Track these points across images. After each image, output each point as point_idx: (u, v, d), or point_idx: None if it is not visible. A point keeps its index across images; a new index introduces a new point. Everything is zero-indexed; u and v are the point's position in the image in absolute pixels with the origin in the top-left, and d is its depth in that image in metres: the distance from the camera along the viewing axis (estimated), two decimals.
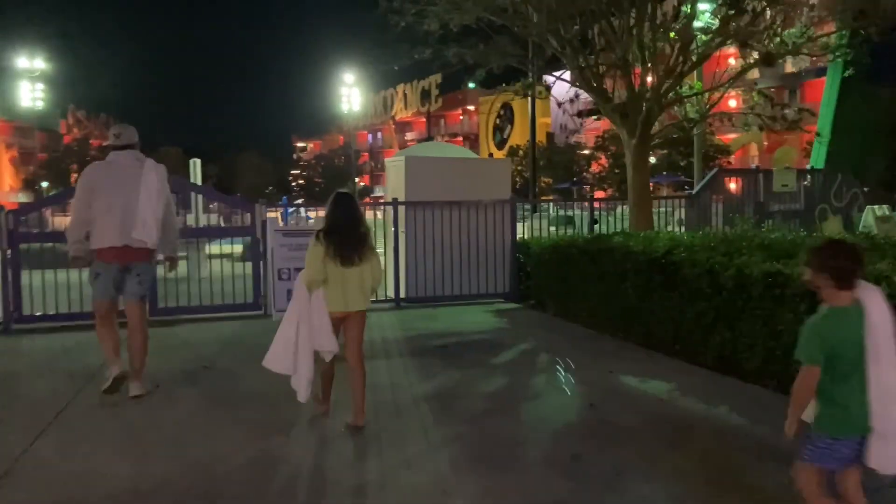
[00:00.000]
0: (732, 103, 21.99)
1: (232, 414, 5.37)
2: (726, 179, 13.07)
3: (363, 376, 5.07)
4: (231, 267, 10.62)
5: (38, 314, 9.24)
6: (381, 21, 10.45)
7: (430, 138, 65.16)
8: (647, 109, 9.74)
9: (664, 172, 40.26)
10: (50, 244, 9.61)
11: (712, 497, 3.81)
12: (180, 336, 8.42)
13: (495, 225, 10.69)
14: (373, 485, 4.06)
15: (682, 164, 39.44)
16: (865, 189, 13.60)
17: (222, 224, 16.01)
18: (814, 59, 12.52)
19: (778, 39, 9.55)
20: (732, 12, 9.43)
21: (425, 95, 75.40)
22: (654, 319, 7.21)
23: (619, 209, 13.39)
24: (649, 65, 9.89)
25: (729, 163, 39.84)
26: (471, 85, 67.98)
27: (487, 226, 10.63)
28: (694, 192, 12.33)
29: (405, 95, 78.65)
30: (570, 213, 15.43)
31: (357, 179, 71.61)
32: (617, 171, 43.85)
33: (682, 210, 13.44)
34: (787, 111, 10.78)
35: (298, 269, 5.50)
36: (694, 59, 9.89)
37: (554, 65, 12.36)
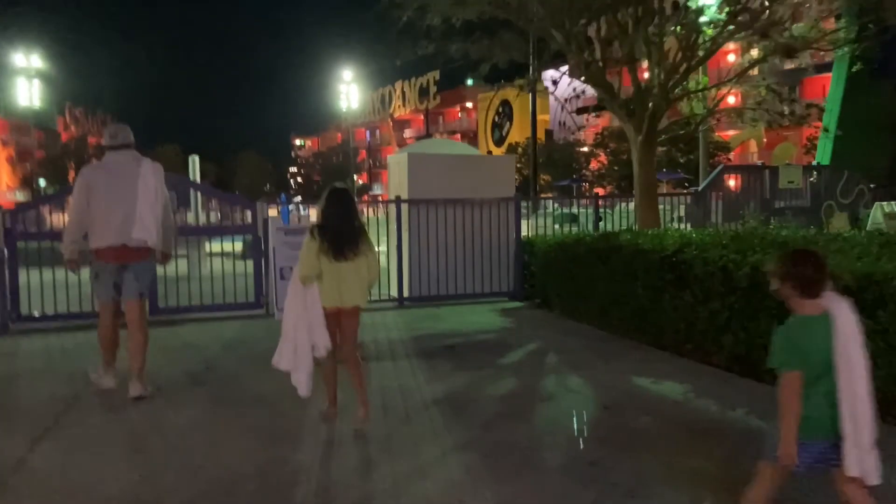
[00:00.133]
0: (731, 100, 21.82)
1: (237, 418, 5.23)
2: (731, 176, 12.94)
3: (359, 368, 5.10)
4: (232, 265, 10.47)
5: (36, 314, 9.10)
6: (383, 16, 10.30)
7: (428, 135, 65.03)
8: (654, 105, 9.60)
9: (664, 169, 40.12)
10: (48, 243, 9.47)
11: None
12: (181, 337, 8.28)
13: (499, 223, 10.55)
14: (385, 493, 3.91)
15: (681, 160, 39.32)
16: (871, 185, 13.50)
17: (220, 222, 15.88)
18: (816, 54, 12.36)
19: (788, 34, 9.40)
20: (740, 6, 9.28)
21: (423, 93, 75.23)
22: (666, 319, 7.07)
23: (618, 206, 13.23)
24: (656, 60, 9.74)
25: (729, 160, 39.74)
26: (469, 82, 67.92)
27: (491, 224, 10.49)
28: (699, 188, 12.21)
29: (403, 93, 78.48)
30: (574, 210, 15.27)
31: (356, 177, 71.43)
32: (616, 168, 43.78)
33: (682, 207, 13.34)
34: (795, 106, 10.62)
35: None
36: (701, 53, 9.73)
37: (558, 61, 12.21)
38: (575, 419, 5.12)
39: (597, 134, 46.64)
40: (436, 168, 10.44)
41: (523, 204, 11.34)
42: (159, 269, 9.05)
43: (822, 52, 10.91)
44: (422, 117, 76.77)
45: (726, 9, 9.34)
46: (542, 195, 34.50)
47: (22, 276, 9.07)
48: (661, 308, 7.13)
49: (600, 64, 10.14)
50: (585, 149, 49.46)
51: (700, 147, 18.86)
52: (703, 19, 9.75)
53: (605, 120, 49.41)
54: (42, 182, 62.08)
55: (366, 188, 75.31)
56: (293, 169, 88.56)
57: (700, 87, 11.06)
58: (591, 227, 11.68)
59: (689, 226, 10.91)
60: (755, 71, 11.08)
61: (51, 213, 10.14)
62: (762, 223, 8.15)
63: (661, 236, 7.90)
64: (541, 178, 43.11)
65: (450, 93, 72.46)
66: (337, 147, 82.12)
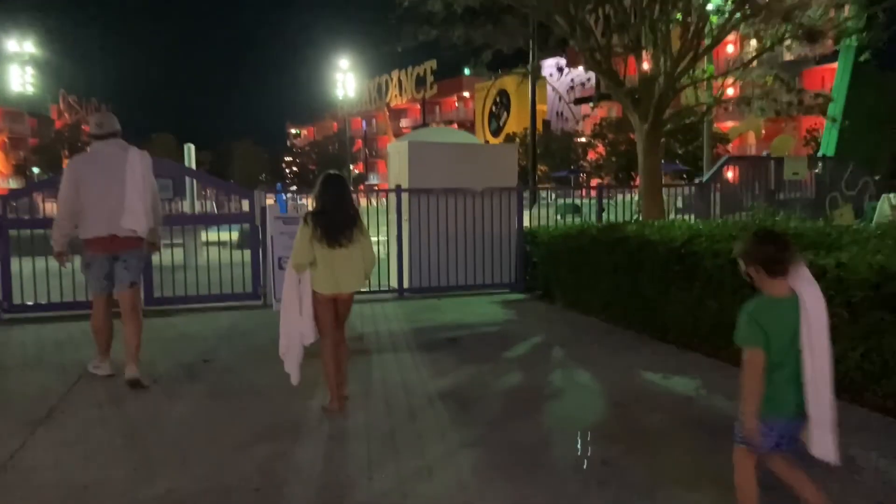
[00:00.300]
0: (730, 91, 21.62)
1: (235, 412, 5.06)
2: (734, 167, 12.77)
3: (345, 355, 5.17)
4: (229, 255, 10.29)
5: (29, 303, 8.91)
6: (384, 1, 10.11)
7: (424, 125, 64.72)
8: (660, 93, 9.42)
9: (662, 161, 40.00)
10: (41, 231, 9.28)
11: None
12: (177, 327, 8.11)
13: (501, 213, 10.38)
14: (391, 494, 3.75)
15: (679, 151, 39.16)
16: (876, 177, 13.36)
17: (216, 211, 15.68)
18: (818, 44, 12.19)
19: (802, 19, 9.21)
20: None
21: (420, 82, 74.86)
22: (673, 312, 6.92)
23: (618, 197, 13.06)
24: (662, 47, 9.55)
25: (727, 151, 39.57)
26: (466, 72, 67.56)
27: (493, 214, 10.32)
28: (704, 179, 12.05)
29: (400, 82, 78.09)
30: (576, 201, 15.11)
31: (351, 167, 71.10)
32: (614, 158, 43.62)
33: (681, 199, 13.18)
34: (803, 96, 10.46)
35: None
36: (708, 41, 9.55)
37: (558, 49, 12.02)
38: (584, 416, 4.97)
39: (595, 124, 46.44)
40: (437, 157, 10.25)
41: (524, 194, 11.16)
42: (155, 258, 8.92)
43: (828, 42, 10.72)
44: (418, 107, 76.38)
45: None
46: (540, 186, 34.34)
47: (14, 264, 8.87)
48: (669, 301, 6.97)
49: (605, 51, 9.95)
50: (583, 139, 49.26)
51: (704, 138, 18.69)
52: (709, 7, 9.58)
53: (603, 110, 49.28)
54: (36, 170, 61.67)
55: (361, 178, 75.03)
56: (289, 158, 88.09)
57: (706, 75, 10.88)
58: (594, 217, 11.50)
59: (693, 217, 10.74)
60: (755, 62, 10.90)
61: (43, 201, 9.94)
62: (770, 215, 7.96)
63: (668, 228, 7.73)
64: (538, 168, 42.93)
65: (447, 82, 72.09)
66: (333, 136, 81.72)
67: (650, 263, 7.25)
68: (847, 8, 10.32)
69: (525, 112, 52.30)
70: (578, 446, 4.39)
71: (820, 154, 17.26)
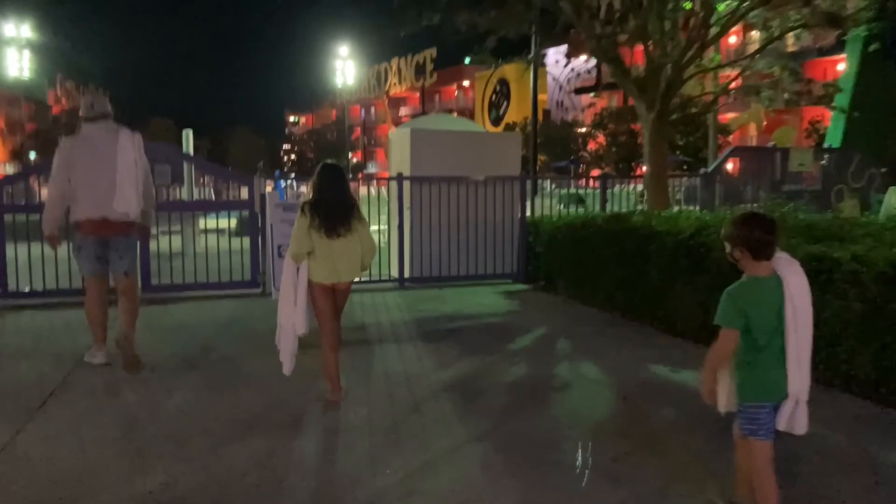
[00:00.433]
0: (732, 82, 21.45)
1: (234, 404, 4.93)
2: (737, 158, 12.62)
3: (338, 341, 5.08)
4: (228, 242, 10.16)
5: (25, 290, 8.77)
6: None
7: (423, 114, 64.40)
8: (667, 82, 9.26)
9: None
10: (37, 216, 9.13)
11: None
12: (175, 316, 7.97)
13: (504, 202, 10.22)
14: (395, 490, 3.63)
15: (680, 142, 38.97)
16: (883, 169, 13.22)
17: (213, 197, 15.53)
18: (823, 35, 12.02)
19: (819, 9, 9.02)
20: None
21: (420, 70, 74.43)
22: (680, 304, 6.79)
23: (619, 187, 12.90)
24: (669, 35, 9.39)
25: (728, 142, 39.41)
26: (467, 60, 67.22)
27: (496, 203, 10.17)
28: (709, 170, 11.91)
29: (399, 70, 77.67)
30: (580, 191, 14.96)
31: (350, 155, 70.85)
32: (614, 149, 43.42)
33: (682, 190, 13.05)
34: (812, 86, 10.30)
35: None
36: (716, 30, 9.39)
37: (560, 37, 11.84)
38: (592, 411, 4.86)
39: (595, 114, 46.20)
40: (440, 144, 10.09)
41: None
42: (153, 245, 8.78)
43: (834, 32, 10.55)
44: (418, 95, 76.01)
45: None
46: (541, 175, 34.10)
47: (9, 250, 8.72)
48: (676, 293, 6.85)
49: (611, 39, 9.78)
50: (583, 129, 49.05)
51: (711, 128, 18.53)
52: None
53: (603, 100, 49.05)
54: (32, 155, 61.34)
55: (360, 166, 74.77)
56: (287, 146, 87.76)
57: (714, 64, 10.71)
58: (597, 207, 11.35)
59: (698, 208, 10.61)
60: (759, 52, 10.72)
61: (39, 186, 9.78)
62: (778, 206, 7.82)
63: (675, 218, 7.61)
64: (538, 158, 42.74)
65: (446, 71, 71.67)
66: (331, 124, 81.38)
67: (657, 255, 7.12)
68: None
69: (525, 101, 52.00)
70: (588, 442, 4.26)
71: (826, 145, 17.10)
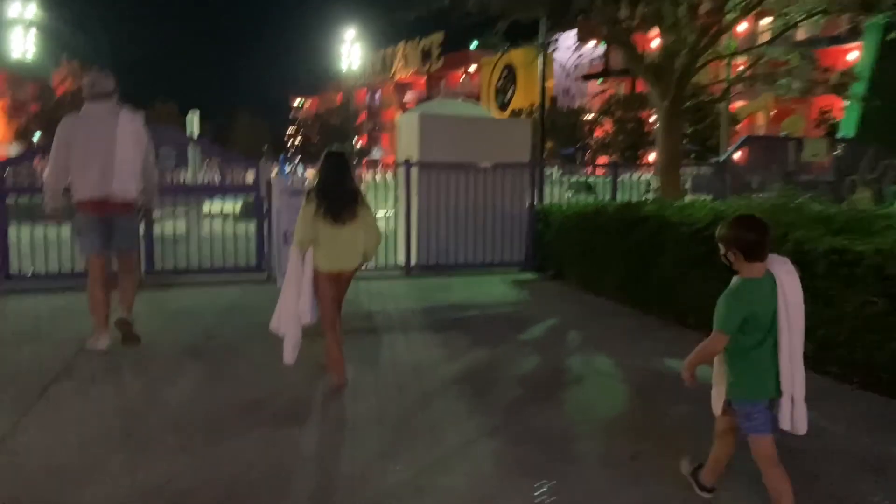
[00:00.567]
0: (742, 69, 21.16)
1: (240, 394, 4.81)
2: (753, 148, 12.44)
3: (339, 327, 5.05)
4: (232, 227, 10.03)
5: (27, 274, 8.65)
6: None
7: (429, 99, 64.01)
8: (682, 69, 9.07)
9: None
10: (41, 199, 9.01)
11: None
12: (178, 301, 7.85)
13: (513, 190, 10.08)
14: (406, 487, 3.50)
15: (688, 131, 38.65)
16: None
17: (217, 181, 15.37)
18: (834, 24, 11.77)
19: None
20: None
21: (426, 55, 73.95)
22: (694, 296, 6.63)
23: (627, 175, 12.71)
24: (685, 21, 9.18)
25: (736, 132, 39.09)
26: (473, 45, 66.77)
27: (504, 190, 10.02)
28: (721, 158, 11.73)
29: (406, 54, 77.16)
30: (588, 179, 14.77)
31: (355, 139, 70.54)
32: (621, 137, 43.09)
33: (690, 179, 12.85)
34: (829, 75, 10.09)
35: None
36: (732, 16, 9.18)
37: (570, 22, 11.63)
38: (607, 405, 4.73)
39: (603, 102, 45.81)
40: (449, 130, 9.93)
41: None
42: (156, 229, 8.66)
43: (859, 17, 10.30)
44: (423, 80, 75.57)
45: None
46: (546, 163, 33.69)
47: (12, 232, 8.61)
48: (690, 284, 6.70)
49: (626, 24, 9.58)
50: (590, 116, 48.67)
51: (723, 117, 18.30)
52: None
53: (611, 87, 48.62)
54: (37, 136, 61.17)
55: (365, 151, 74.47)
56: (291, 129, 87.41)
57: (730, 51, 10.50)
58: (608, 196, 11.18)
59: (711, 197, 10.45)
60: (767, 40, 10.49)
61: (42, 168, 9.65)
62: (792, 197, 7.65)
63: (689, 208, 7.45)
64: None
65: (453, 56, 71.15)
66: (336, 108, 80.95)
67: (671, 245, 6.98)
68: None
69: (531, 87, 51.61)
70: (604, 438, 4.14)
71: (840, 135, 16.85)
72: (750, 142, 12.53)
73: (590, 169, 26.85)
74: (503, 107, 61.67)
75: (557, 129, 46.80)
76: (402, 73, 78.49)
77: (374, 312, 7.38)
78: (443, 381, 5.14)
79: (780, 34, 9.94)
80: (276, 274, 8.59)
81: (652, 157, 41.98)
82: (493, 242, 10.01)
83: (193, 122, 16.72)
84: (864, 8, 8.87)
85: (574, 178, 13.97)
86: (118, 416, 4.41)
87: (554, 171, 15.55)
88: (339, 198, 4.82)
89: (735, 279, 3.13)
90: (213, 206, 12.95)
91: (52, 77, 72.67)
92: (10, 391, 4.78)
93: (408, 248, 9.89)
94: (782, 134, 19.56)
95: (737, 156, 11.82)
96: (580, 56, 11.13)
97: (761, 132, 40.96)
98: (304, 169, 14.37)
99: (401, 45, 77.46)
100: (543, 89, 20.45)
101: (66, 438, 4.03)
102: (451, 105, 11.45)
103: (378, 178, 11.48)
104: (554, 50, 11.65)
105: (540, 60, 19.86)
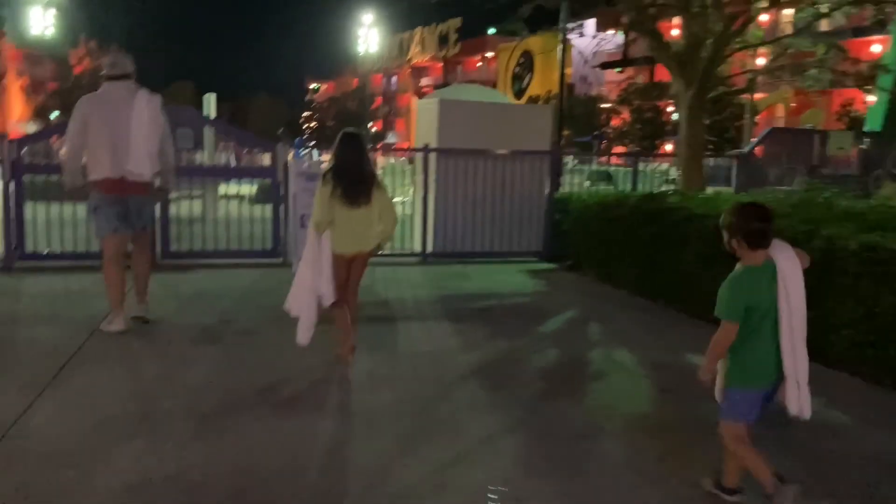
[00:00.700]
0: (761, 61, 20.82)
1: (255, 381, 4.72)
2: (777, 140, 12.22)
3: (356, 312, 5.11)
4: (248, 210, 9.96)
5: (43, 252, 8.62)
6: None
7: (446, 84, 63.70)
8: (709, 58, 8.87)
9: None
10: (57, 176, 8.96)
11: None
12: (194, 284, 7.78)
13: (532, 178, 9.93)
14: (427, 483, 3.41)
15: (706, 122, 38.25)
16: None
17: (233, 163, 15.31)
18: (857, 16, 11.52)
19: None
20: None
21: (443, 40, 73.54)
22: (718, 291, 6.50)
23: (642, 166, 12.52)
24: (712, 8, 8.97)
25: (755, 123, 38.66)
26: (491, 31, 66.30)
27: (524, 178, 9.88)
28: (746, 150, 11.53)
29: (423, 39, 76.77)
30: (608, 168, 14.61)
31: (370, 124, 70.36)
32: (639, 126, 42.73)
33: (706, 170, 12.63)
34: (860, 66, 9.86)
35: None
36: (764, 3, 8.97)
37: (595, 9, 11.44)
38: (631, 402, 4.62)
39: (621, 90, 45.41)
40: (468, 116, 9.78)
41: None
42: (172, 210, 8.60)
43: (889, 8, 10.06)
44: (440, 65, 75.18)
45: None
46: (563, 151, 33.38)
47: (28, 210, 8.56)
48: (714, 279, 6.53)
49: (651, 10, 9.38)
50: (608, 105, 48.29)
51: (747, 108, 18.03)
52: None
53: (629, 75, 48.19)
54: (55, 114, 61.38)
55: (380, 136, 74.30)
56: (307, 113, 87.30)
57: (757, 41, 10.27)
58: (627, 186, 11.02)
59: (734, 189, 10.27)
60: (788, 29, 10.25)
61: (59, 147, 9.60)
62: (819, 191, 7.47)
63: (714, 200, 7.31)
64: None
65: (470, 42, 70.75)
66: (352, 92, 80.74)
67: (695, 237, 6.83)
68: None
69: (548, 74, 51.21)
70: (629, 437, 4.02)
71: (866, 129, 16.53)
72: (774, 134, 12.30)
73: (605, 158, 26.61)
74: (519, 94, 61.31)
75: (574, 118, 46.45)
76: (418, 58, 78.15)
77: (390, 300, 7.28)
78: (462, 372, 5.04)
79: (810, 24, 9.72)
80: (292, 258, 8.50)
81: (669, 147, 41.67)
82: (509, 231, 9.89)
83: (210, 103, 16.65)
84: None
85: (591, 168, 13.79)
86: (131, 401, 4.34)
87: (570, 160, 15.40)
88: (354, 179, 4.80)
89: (737, 267, 3.14)
90: (227, 188, 12.91)
91: (69, 56, 72.82)
92: (23, 373, 4.72)
93: (424, 234, 9.78)
94: (807, 126, 19.22)
95: (760, 148, 11.61)
96: (599, 43, 10.92)
97: (780, 124, 40.51)
98: (319, 153, 14.26)
99: (418, 30, 77.09)
100: (563, 76, 20.19)
101: (78, 423, 3.96)
102: (470, 91, 11.32)
103: (392, 162, 11.35)
104: (582, 35, 11.43)
105: (560, 47, 19.61)
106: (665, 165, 14.71)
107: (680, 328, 6.43)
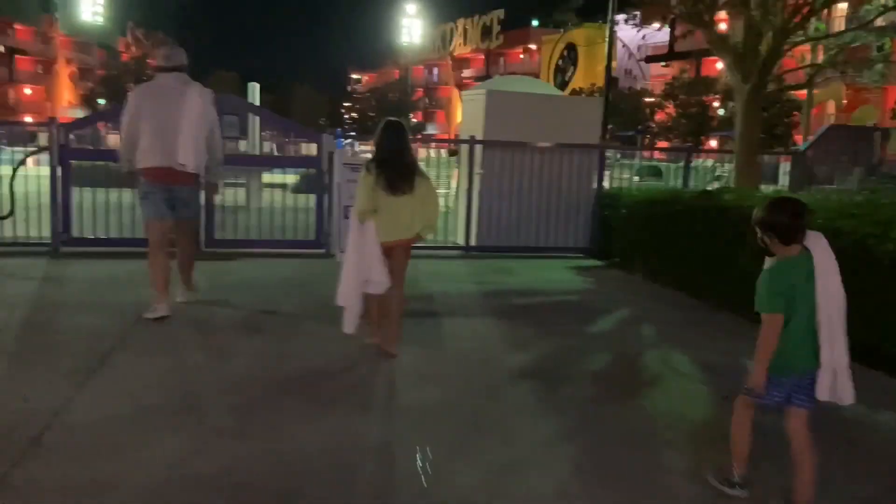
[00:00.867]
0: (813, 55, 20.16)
1: (301, 376, 4.61)
2: (835, 137, 11.78)
3: (402, 304, 5.03)
4: (291, 199, 9.88)
5: (89, 237, 8.64)
6: None
7: (488, 76, 63.31)
8: (769, 51, 8.53)
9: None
10: (103, 162, 8.99)
11: None
12: (238, 273, 7.73)
13: (580, 172, 9.70)
14: (481, 490, 3.25)
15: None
16: None
17: (275, 152, 15.31)
18: None
19: None
20: None
21: (486, 32, 73.11)
22: None
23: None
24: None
25: (808, 120, 37.64)
26: (535, 23, 65.71)
27: (571, 172, 9.65)
28: (803, 148, 11.14)
29: (465, 31, 76.42)
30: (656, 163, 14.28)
31: (411, 115, 70.26)
32: (684, 120, 41.96)
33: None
34: None
35: None
36: None
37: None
38: (691, 410, 4.40)
39: (666, 84, 44.64)
40: (516, 107, 9.57)
41: None
42: (216, 199, 8.56)
43: None
44: (482, 57, 74.77)
45: None
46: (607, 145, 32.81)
47: (75, 195, 8.60)
48: None
49: (707, 2, 9.05)
50: (652, 99, 47.49)
51: (806, 103, 17.49)
52: None
53: (674, 70, 47.34)
54: (102, 101, 62.44)
55: (420, 126, 74.18)
56: (348, 104, 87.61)
57: (821, 33, 9.88)
58: (676, 182, 10.71)
59: (789, 188, 9.91)
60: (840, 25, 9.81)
61: (107, 132, 9.64)
62: (886, 192, 7.14)
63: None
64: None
65: (512, 33, 70.23)
66: (394, 83, 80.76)
67: (754, 238, 6.54)
68: None
69: (592, 67, 50.61)
70: (692, 449, 3.81)
71: None
72: (832, 131, 11.86)
73: (649, 153, 26.10)
74: (562, 87, 60.65)
75: (618, 111, 45.78)
76: (460, 49, 77.81)
77: (434, 294, 7.13)
78: (511, 372, 4.87)
79: (879, 15, 9.29)
80: (336, 249, 8.41)
81: (713, 143, 40.83)
82: (555, 225, 9.67)
83: (254, 92, 16.65)
84: None
85: (637, 162, 13.46)
86: (175, 392, 4.25)
87: (613, 154, 15.11)
88: (398, 168, 4.78)
89: (771, 259, 3.12)
90: (270, 177, 12.89)
91: (117, 43, 74.00)
92: (67, 361, 4.67)
93: (468, 227, 9.61)
94: (869, 124, 18.57)
95: (818, 146, 11.20)
96: (645, 36, 10.60)
97: (831, 122, 39.44)
98: (360, 144, 14.19)
99: (461, 22, 76.74)
100: (609, 68, 19.86)
101: (120, 414, 3.88)
102: (518, 81, 11.10)
103: (433, 154, 11.19)
104: (638, 27, 11.13)
105: (606, 39, 19.29)
106: (710, 161, 14.34)
107: (736, 331, 6.16)
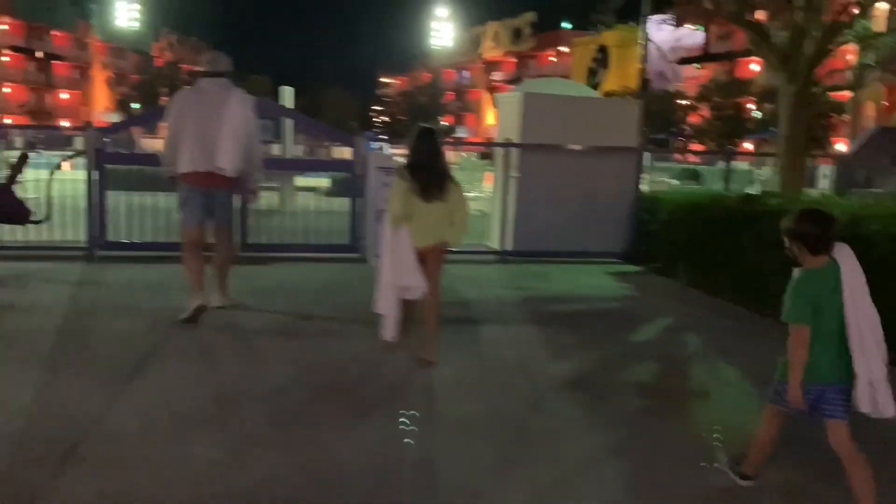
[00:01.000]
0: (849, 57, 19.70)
1: (339, 385, 4.52)
2: (882, 140, 11.43)
3: (437, 310, 4.96)
4: (324, 203, 9.82)
5: (124, 241, 8.65)
6: None
7: (518, 79, 63.05)
8: (815, 51, 8.28)
9: (771, 128, 37.61)
10: (138, 167, 9.01)
11: None
12: (273, 277, 7.66)
13: (618, 175, 9.49)
14: None
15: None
16: None
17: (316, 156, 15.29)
18: None
19: None
20: None
21: (516, 35, 72.90)
22: None
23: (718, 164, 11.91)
24: None
25: (841, 122, 36.88)
26: (566, 25, 65.31)
27: (609, 176, 9.44)
28: (851, 151, 10.83)
29: (496, 33, 76.25)
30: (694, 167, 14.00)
31: (440, 118, 70.23)
32: (718, 123, 41.35)
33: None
34: None
35: None
36: None
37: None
38: (745, 425, 4.20)
39: (700, 86, 44.03)
40: (553, 110, 9.40)
41: None
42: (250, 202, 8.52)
43: None
44: (513, 60, 74.54)
45: None
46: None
47: (110, 200, 8.60)
48: None
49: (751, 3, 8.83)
50: (685, 101, 46.88)
51: (852, 105, 17.07)
52: None
53: (707, 72, 46.73)
54: (136, 105, 63.31)
55: (450, 130, 74.13)
56: (378, 107, 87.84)
57: (867, 32, 9.57)
58: (719, 185, 10.47)
59: (833, 192, 9.63)
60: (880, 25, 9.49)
61: (143, 136, 9.67)
62: None
63: (821, 205, 6.76)
64: None
65: (543, 36, 69.90)
66: (424, 87, 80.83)
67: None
68: None
69: (625, 70, 49.96)
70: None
71: None
72: (881, 133, 11.51)
73: (680, 156, 25.70)
74: (594, 88, 60.26)
75: (650, 114, 45.26)
76: (491, 52, 77.67)
77: (470, 301, 6.99)
78: (553, 383, 4.72)
79: None
80: (370, 254, 8.32)
81: (747, 145, 40.17)
82: (592, 230, 9.47)
83: (287, 96, 16.66)
84: None
85: (672, 166, 13.21)
86: (211, 403, 4.15)
87: (647, 157, 14.83)
88: (431, 174, 4.81)
89: (799, 270, 3.13)
90: (303, 181, 12.85)
91: (151, 48, 75.00)
92: (103, 368, 4.62)
93: (503, 232, 9.46)
94: None
95: (866, 147, 10.87)
96: (679, 39, 10.38)
97: (871, 123, 38.59)
98: (390, 147, 14.12)
99: (491, 24, 76.63)
100: (644, 70, 19.60)
101: (155, 425, 3.80)
102: (554, 84, 10.91)
103: (465, 156, 11.06)
104: (676, 27, 10.91)
105: (640, 41, 19.01)
106: (746, 165, 14.04)
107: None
